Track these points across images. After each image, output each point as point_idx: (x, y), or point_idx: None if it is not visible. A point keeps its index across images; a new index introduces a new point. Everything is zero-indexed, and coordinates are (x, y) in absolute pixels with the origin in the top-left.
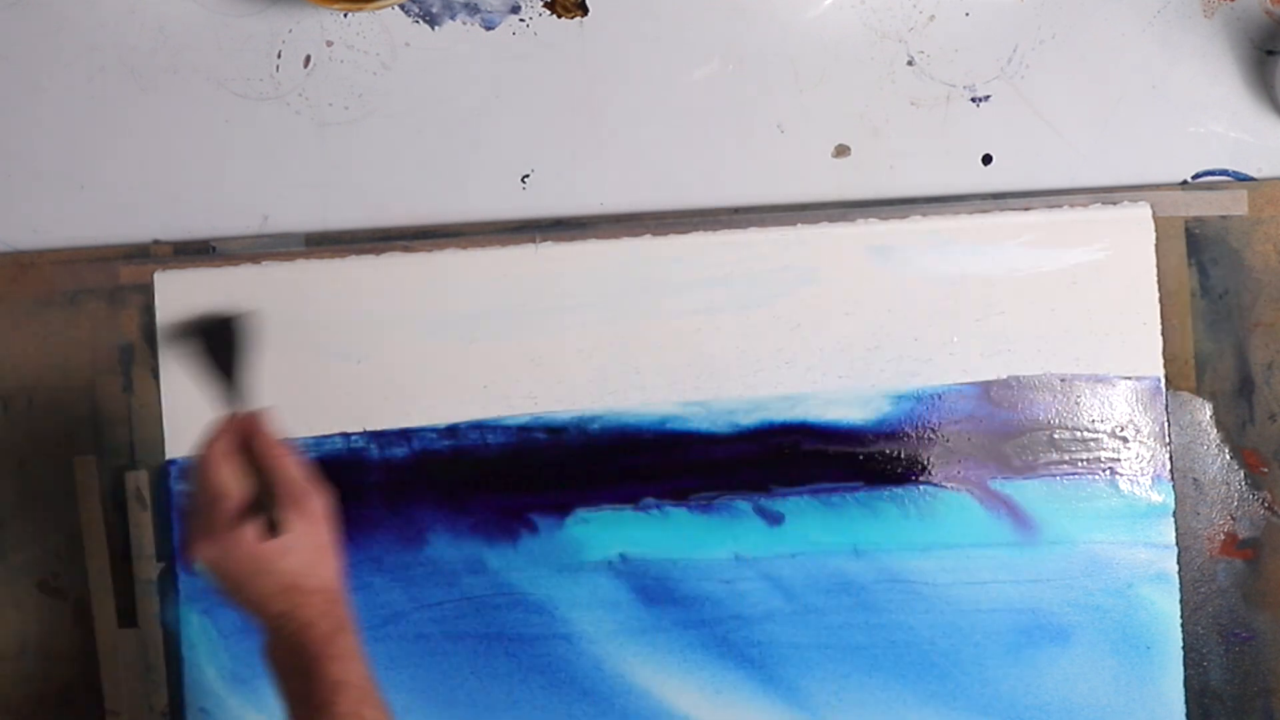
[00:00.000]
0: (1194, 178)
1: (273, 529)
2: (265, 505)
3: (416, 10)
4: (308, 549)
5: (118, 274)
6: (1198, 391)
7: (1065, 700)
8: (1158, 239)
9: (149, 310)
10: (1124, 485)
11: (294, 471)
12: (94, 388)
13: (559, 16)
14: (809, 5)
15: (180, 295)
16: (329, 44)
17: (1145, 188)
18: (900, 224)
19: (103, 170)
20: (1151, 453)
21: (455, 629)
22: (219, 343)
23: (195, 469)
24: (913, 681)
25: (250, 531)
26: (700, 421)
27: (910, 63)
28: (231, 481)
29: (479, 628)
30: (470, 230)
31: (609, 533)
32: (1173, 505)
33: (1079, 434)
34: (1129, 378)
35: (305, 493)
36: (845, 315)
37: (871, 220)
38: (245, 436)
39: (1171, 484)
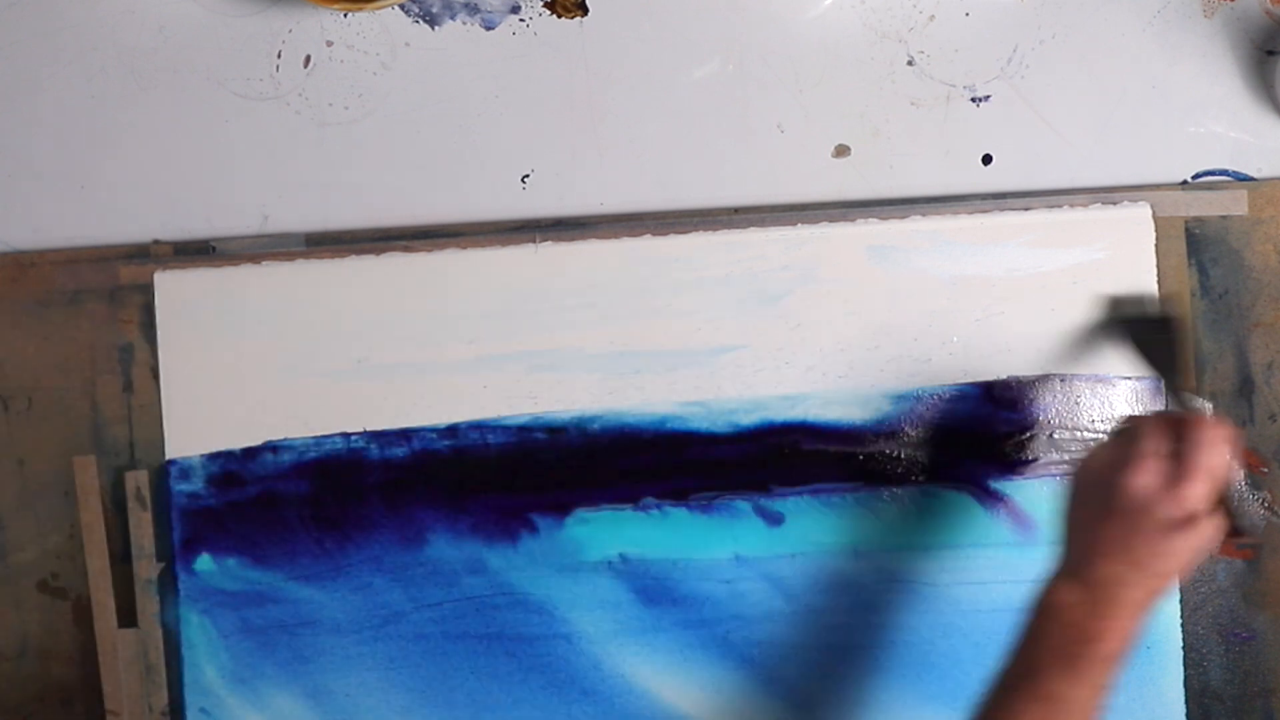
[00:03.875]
0: (1194, 178)
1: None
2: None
3: (416, 10)
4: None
5: (118, 274)
6: (1198, 391)
7: None
8: (1158, 239)
9: (149, 310)
10: None
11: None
12: (94, 388)
13: (559, 16)
14: (809, 5)
15: (180, 295)
16: (329, 44)
17: (1145, 188)
18: (900, 224)
19: (103, 170)
20: None
21: (455, 629)
22: (1155, 338)
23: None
24: (913, 681)
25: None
26: (700, 421)
27: (910, 63)
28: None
29: (479, 628)
30: (470, 230)
31: (609, 533)
32: None
33: (1079, 434)
34: (1129, 378)
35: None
36: (845, 315)
37: (871, 220)
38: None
39: None
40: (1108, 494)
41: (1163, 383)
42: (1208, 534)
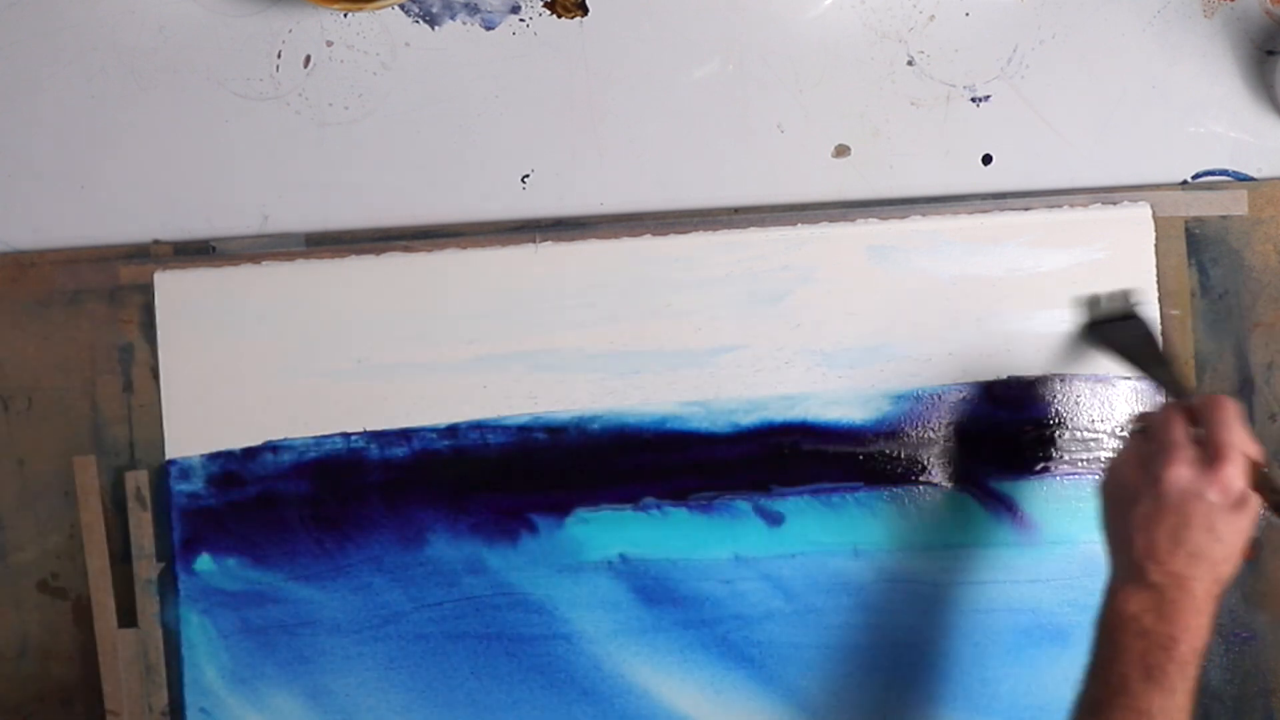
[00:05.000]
0: (1194, 178)
1: None
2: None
3: (416, 10)
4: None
5: (118, 274)
6: (1198, 391)
7: (1065, 700)
8: (1158, 239)
9: (149, 310)
10: None
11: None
12: (94, 388)
13: (559, 16)
14: (809, 5)
15: (180, 295)
16: (329, 44)
17: (1145, 188)
18: (900, 224)
19: (103, 170)
20: None
21: (455, 629)
22: (1130, 335)
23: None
24: (913, 681)
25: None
26: (700, 421)
27: (910, 63)
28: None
29: (479, 628)
30: (470, 230)
31: (609, 533)
32: None
33: (1079, 434)
34: (1129, 378)
35: None
36: (845, 315)
37: (871, 220)
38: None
39: None
40: (1148, 493)
41: (1152, 380)
42: (1255, 511)
